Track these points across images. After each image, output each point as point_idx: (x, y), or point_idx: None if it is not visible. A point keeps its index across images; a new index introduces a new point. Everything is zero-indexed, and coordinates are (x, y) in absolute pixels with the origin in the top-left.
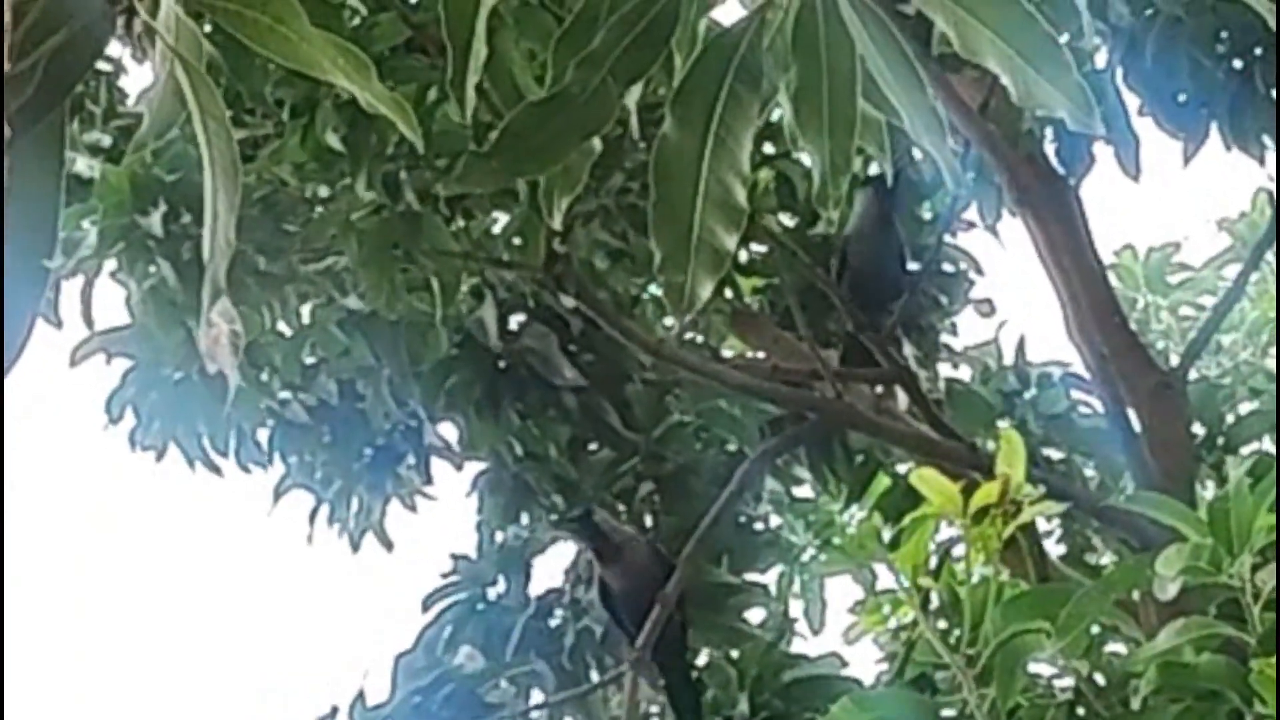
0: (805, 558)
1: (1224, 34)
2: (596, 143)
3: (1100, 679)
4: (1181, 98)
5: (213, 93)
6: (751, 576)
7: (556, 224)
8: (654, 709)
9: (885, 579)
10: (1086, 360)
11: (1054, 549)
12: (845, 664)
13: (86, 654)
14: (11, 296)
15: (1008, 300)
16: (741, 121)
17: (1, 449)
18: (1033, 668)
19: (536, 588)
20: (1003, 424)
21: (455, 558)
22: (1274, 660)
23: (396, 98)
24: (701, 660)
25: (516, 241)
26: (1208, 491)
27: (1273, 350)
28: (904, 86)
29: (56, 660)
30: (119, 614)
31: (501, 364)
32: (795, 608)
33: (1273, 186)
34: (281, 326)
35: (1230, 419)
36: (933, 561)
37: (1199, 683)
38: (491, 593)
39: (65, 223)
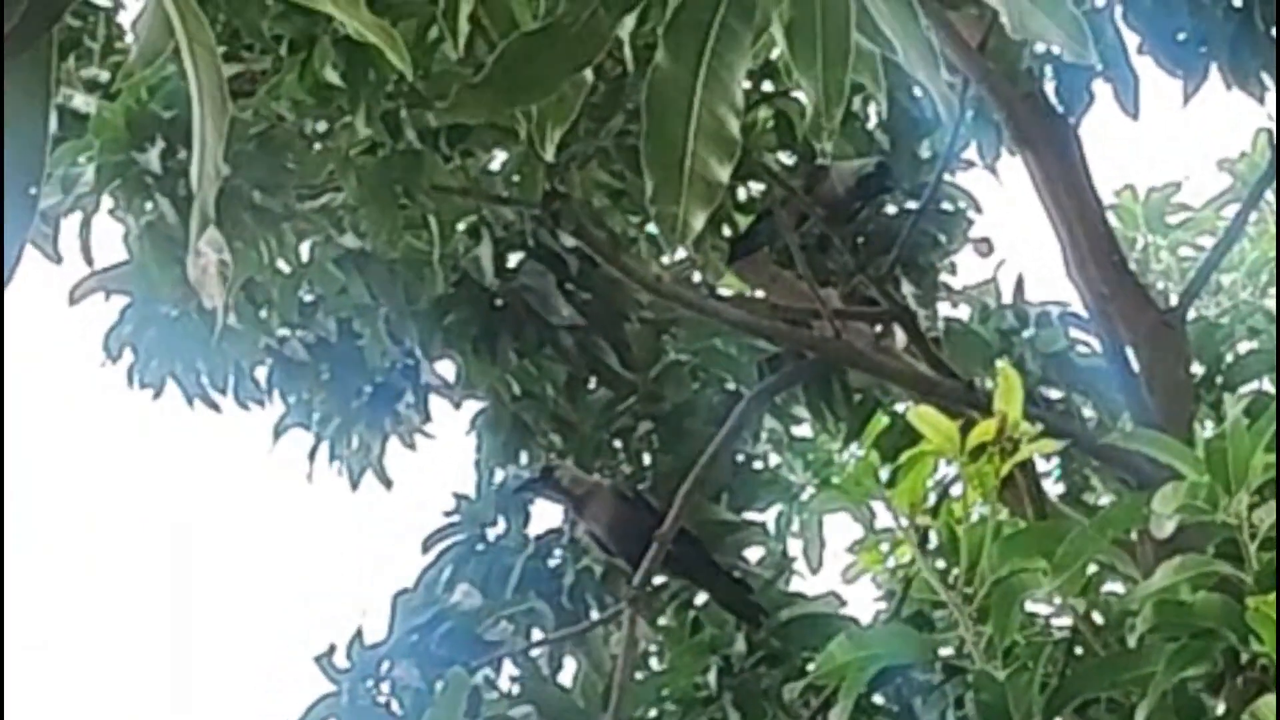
0: (804, 496)
1: None
2: (589, 74)
3: (1098, 617)
4: (1181, 36)
5: (200, 20)
6: (750, 515)
7: (549, 156)
8: (653, 647)
9: (884, 519)
10: (1085, 299)
11: (1053, 489)
12: (844, 603)
13: (86, 592)
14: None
15: (1007, 239)
16: (735, 53)
17: (1, 370)
18: (1031, 607)
19: (537, 527)
20: (1001, 363)
21: (457, 497)
22: (1270, 599)
23: (384, 25)
24: (699, 599)
25: (515, 179)
26: (1207, 431)
27: (1272, 290)
28: (897, 18)
29: (55, 598)
30: (118, 552)
31: (498, 302)
32: (794, 547)
33: (1273, 126)
34: (280, 264)
35: (1229, 358)
36: (931, 500)
37: (1195, 621)
38: (491, 533)
39: (62, 158)
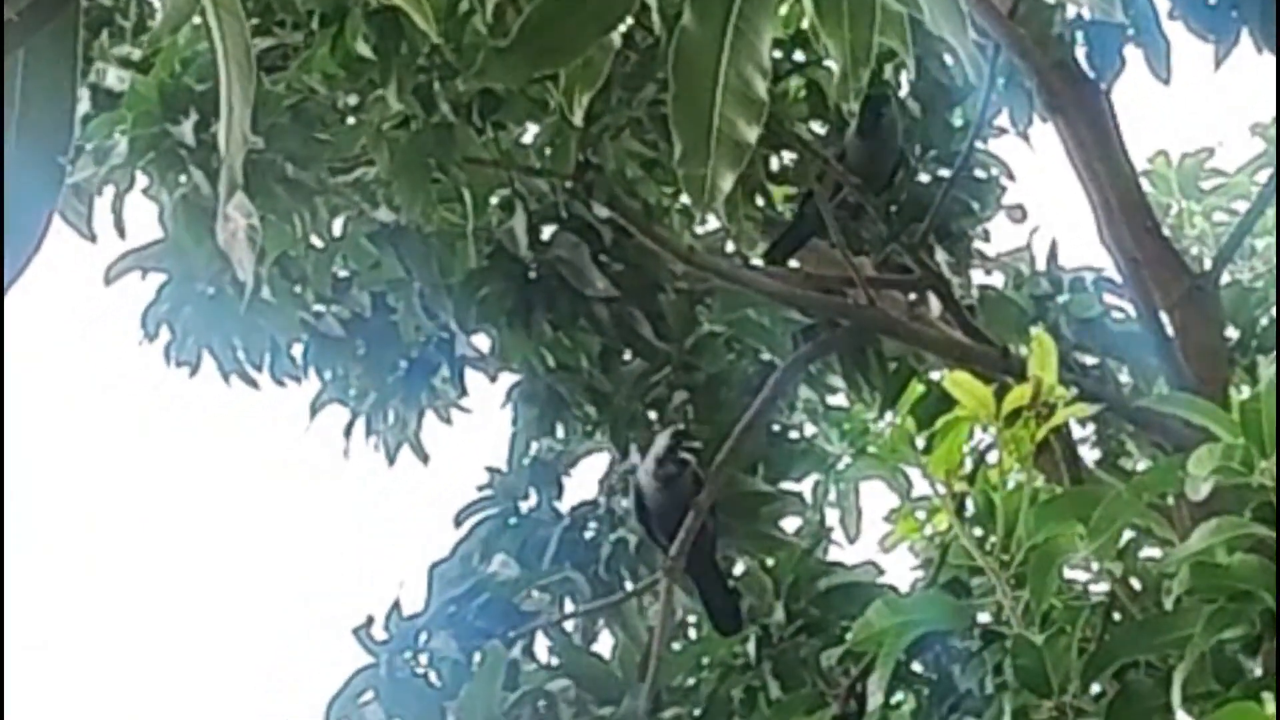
0: (840, 466)
1: None
2: (619, 42)
3: (1135, 581)
4: (1211, 0)
5: None
6: (787, 485)
7: (577, 120)
8: (691, 618)
9: (921, 487)
10: (1119, 265)
11: (1088, 454)
12: (881, 572)
13: (117, 569)
14: (28, 194)
15: (1040, 206)
16: (761, 13)
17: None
18: (1068, 573)
19: (570, 499)
20: (1035, 329)
21: (490, 470)
22: None
23: None
24: (738, 569)
25: (548, 151)
26: (1242, 395)
27: None
28: None
29: (84, 577)
30: (154, 528)
31: (532, 275)
32: (831, 516)
33: None
34: (313, 239)
35: (1263, 322)
36: (967, 467)
37: (1231, 583)
38: (524, 506)
39: (95, 131)
